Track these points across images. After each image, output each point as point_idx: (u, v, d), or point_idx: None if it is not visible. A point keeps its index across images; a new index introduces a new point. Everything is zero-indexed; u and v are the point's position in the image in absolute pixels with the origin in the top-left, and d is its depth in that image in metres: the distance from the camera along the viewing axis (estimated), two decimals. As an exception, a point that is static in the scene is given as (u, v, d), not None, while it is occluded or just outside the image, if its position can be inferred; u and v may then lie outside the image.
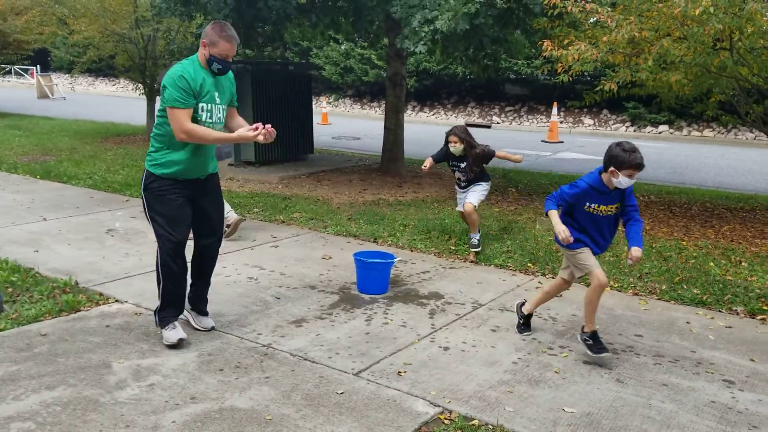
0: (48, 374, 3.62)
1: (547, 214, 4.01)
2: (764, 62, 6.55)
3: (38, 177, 9.46)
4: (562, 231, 3.88)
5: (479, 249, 6.06)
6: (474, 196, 6.17)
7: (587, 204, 3.97)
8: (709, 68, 6.21)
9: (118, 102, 25.73)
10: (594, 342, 3.96)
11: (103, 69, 29.22)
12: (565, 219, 4.04)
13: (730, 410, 3.45)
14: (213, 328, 4.28)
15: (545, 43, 6.36)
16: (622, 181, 3.81)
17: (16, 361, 3.74)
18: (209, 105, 3.97)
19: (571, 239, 3.89)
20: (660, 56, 6.10)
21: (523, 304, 4.49)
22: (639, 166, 3.74)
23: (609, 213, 4.04)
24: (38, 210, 7.47)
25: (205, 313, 4.37)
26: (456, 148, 6.13)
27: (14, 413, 3.22)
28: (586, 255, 4.04)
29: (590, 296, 4.01)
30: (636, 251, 3.88)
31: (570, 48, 6.17)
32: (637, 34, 5.83)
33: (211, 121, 4.00)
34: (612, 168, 3.81)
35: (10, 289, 4.86)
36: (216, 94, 4.01)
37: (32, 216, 7.17)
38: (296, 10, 8.48)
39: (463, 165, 6.22)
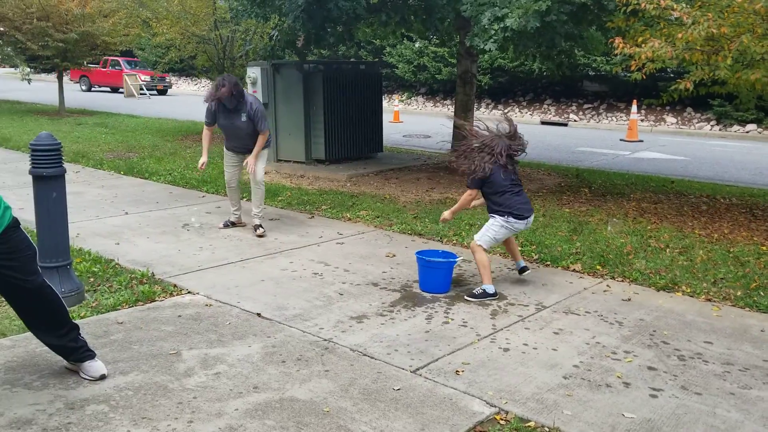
0: (122, 360, 3.83)
1: None
2: None
3: (122, 173, 9.95)
4: None
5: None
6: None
7: None
8: (794, 65, 5.91)
9: (199, 101, 26.66)
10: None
11: (184, 69, 30.36)
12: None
13: (803, 424, 3.30)
14: (104, 376, 3.61)
15: (617, 41, 6.20)
16: None
17: (94, 347, 3.95)
18: None
19: None
20: (740, 53, 5.84)
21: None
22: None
23: None
24: (121, 204, 7.86)
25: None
26: None
27: (90, 396, 3.43)
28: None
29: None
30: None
31: (644, 46, 5.99)
32: (715, 30, 5.61)
33: None
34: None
35: (91, 279, 5.16)
36: None
37: (115, 210, 7.56)
38: (366, 10, 8.58)
39: None
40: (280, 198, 8.36)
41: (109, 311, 4.55)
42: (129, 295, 4.81)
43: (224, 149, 7.03)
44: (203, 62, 14.29)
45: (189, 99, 27.69)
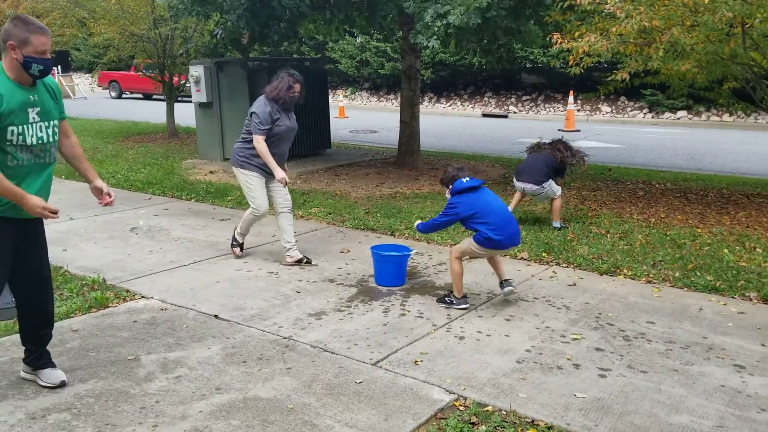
0: (81, 368, 3.80)
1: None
2: (777, 48, 6.56)
3: (63, 177, 9.70)
4: None
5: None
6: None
7: None
8: (720, 56, 6.22)
9: (139, 101, 26.06)
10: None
11: (123, 69, 29.63)
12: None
13: (740, 394, 3.54)
14: (64, 383, 3.58)
15: (555, 36, 6.42)
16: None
17: (51, 356, 3.92)
18: (21, 127, 3.20)
19: None
20: (671, 45, 6.13)
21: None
22: None
23: None
24: (65, 209, 7.68)
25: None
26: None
27: (50, 405, 3.40)
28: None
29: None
30: None
31: (581, 40, 6.22)
32: (647, 23, 5.87)
33: (25, 143, 3.23)
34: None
35: (41, 288, 5.05)
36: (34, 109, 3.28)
37: (60, 215, 7.37)
38: (310, 8, 8.60)
39: None
40: (229, 198, 8.32)
41: (62, 319, 4.48)
42: (81, 302, 4.75)
43: (254, 166, 5.69)
44: (142, 61, 14.00)
45: (128, 99, 27.04)
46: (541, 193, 6.74)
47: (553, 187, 6.73)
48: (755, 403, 3.44)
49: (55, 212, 3.32)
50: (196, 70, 10.41)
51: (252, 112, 5.61)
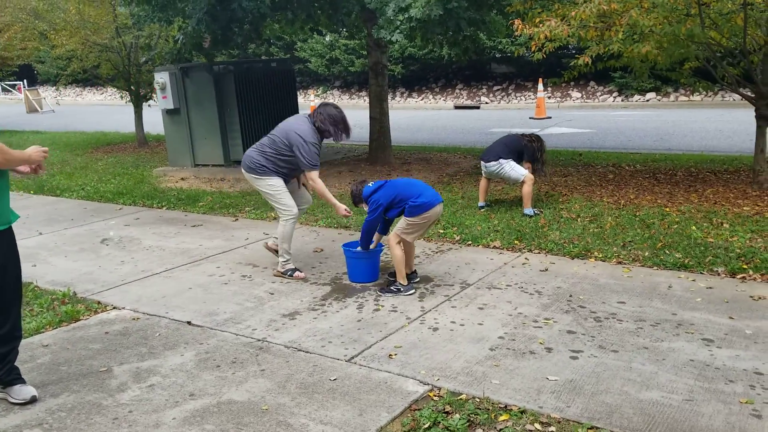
0: (52, 383, 3.76)
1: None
2: (734, 26, 6.63)
3: (32, 192, 9.59)
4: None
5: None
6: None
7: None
8: (679, 36, 6.29)
9: (107, 111, 25.76)
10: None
11: (89, 79, 29.23)
12: None
13: (708, 367, 3.59)
14: (35, 398, 3.54)
15: (516, 23, 6.46)
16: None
17: (21, 372, 3.87)
18: None
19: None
20: (630, 27, 6.18)
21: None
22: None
23: None
24: (33, 225, 7.59)
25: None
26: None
27: (22, 422, 3.36)
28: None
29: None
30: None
31: (542, 26, 6.26)
32: (605, 7, 5.91)
33: None
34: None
35: (10, 305, 4.99)
36: None
37: (28, 231, 7.29)
38: (271, 9, 8.56)
39: None
40: (201, 203, 8.27)
41: (32, 335, 4.43)
42: (52, 316, 4.69)
43: (273, 171, 5.37)
44: (108, 71, 13.84)
45: (96, 109, 26.74)
46: (500, 171, 6.94)
47: (514, 167, 6.88)
48: (723, 375, 3.49)
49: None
50: (161, 77, 10.32)
51: (305, 140, 5.19)
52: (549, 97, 19.92)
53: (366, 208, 5.10)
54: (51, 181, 10.16)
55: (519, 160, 6.99)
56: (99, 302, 5.02)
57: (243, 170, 5.49)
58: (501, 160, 6.94)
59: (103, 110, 26.43)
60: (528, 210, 6.80)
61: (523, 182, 6.85)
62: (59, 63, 18.43)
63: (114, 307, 4.92)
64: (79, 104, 30.80)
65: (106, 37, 12.70)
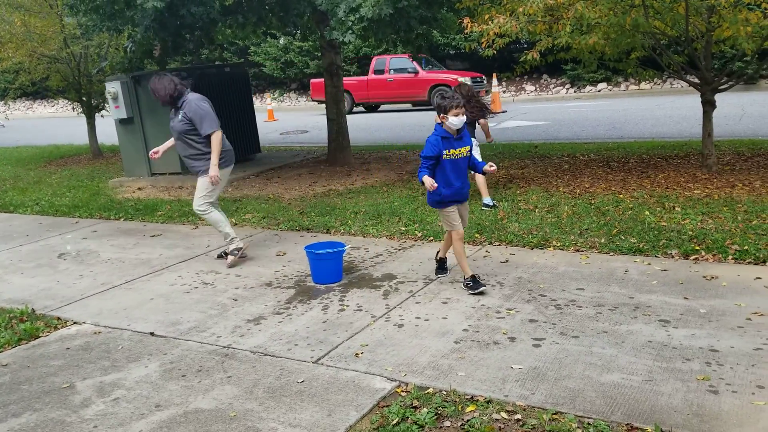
0: (13, 402, 3.68)
1: (422, 182, 4.62)
2: (676, 15, 6.82)
3: (-17, 210, 9.33)
4: (430, 183, 4.57)
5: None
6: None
7: (446, 151, 4.65)
8: (624, 27, 6.45)
9: (59, 123, 25.22)
10: (474, 283, 4.70)
11: (39, 92, 28.52)
12: (437, 174, 4.73)
13: (666, 347, 3.70)
14: None
15: (466, 21, 6.53)
16: (452, 122, 4.56)
17: (-21, 394, 3.79)
18: None
19: (435, 185, 4.56)
20: (577, 20, 6.31)
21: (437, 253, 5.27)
22: (459, 105, 4.53)
23: (462, 155, 4.75)
24: (-13, 243, 7.40)
25: None
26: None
27: (-17, 444, 3.29)
28: (454, 215, 4.83)
29: (456, 248, 4.83)
30: (490, 165, 4.80)
31: (491, 23, 6.35)
32: (551, 1, 6.03)
33: None
34: (442, 115, 4.60)
35: (-35, 326, 4.86)
36: None
37: (-19, 250, 7.10)
38: (221, 14, 8.49)
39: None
40: (159, 212, 8.16)
41: (-10, 356, 4.33)
42: (10, 335, 4.59)
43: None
44: (57, 83, 13.55)
45: (47, 122, 26.13)
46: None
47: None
48: (680, 354, 3.60)
49: None
50: (113, 87, 10.15)
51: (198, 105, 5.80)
52: (504, 92, 20.18)
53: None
54: (3, 198, 9.91)
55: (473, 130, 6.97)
56: (59, 318, 4.93)
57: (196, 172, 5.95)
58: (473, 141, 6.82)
59: (55, 123, 25.86)
60: (487, 200, 6.91)
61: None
62: (7, 76, 17.98)
63: (74, 322, 4.84)
64: (30, 117, 30.08)
65: (54, 48, 12.44)
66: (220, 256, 6.11)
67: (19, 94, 14.02)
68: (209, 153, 5.73)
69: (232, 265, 5.83)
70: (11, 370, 4.11)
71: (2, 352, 4.40)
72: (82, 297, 5.37)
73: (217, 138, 5.67)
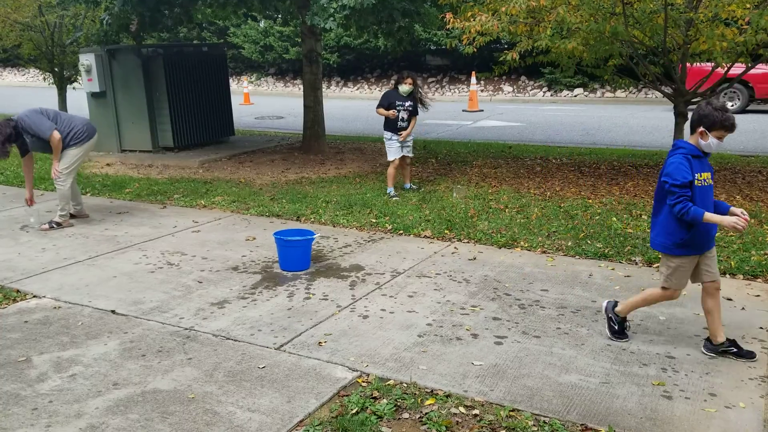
0: (-35, 374, 3.61)
1: (702, 221, 3.44)
2: (655, 25, 6.91)
3: (-55, 176, 9.10)
4: (734, 220, 3.42)
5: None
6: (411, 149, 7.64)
7: (697, 175, 3.50)
8: (603, 34, 6.51)
9: (29, 92, 24.63)
10: (737, 349, 3.68)
11: (10, 59, 27.76)
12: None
13: (624, 351, 3.77)
14: None
15: (448, 16, 6.54)
16: (711, 143, 3.46)
17: (-70, 364, 3.70)
18: None
19: (745, 219, 3.46)
20: (558, 24, 6.36)
21: (615, 304, 3.97)
22: (731, 127, 3.44)
23: (709, 183, 3.57)
24: (-54, 210, 7.22)
25: None
26: (407, 88, 7.31)
27: (-69, 415, 3.21)
28: (687, 270, 3.66)
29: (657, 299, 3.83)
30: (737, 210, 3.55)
31: (473, 20, 6.37)
32: (534, 3, 6.06)
33: None
34: (701, 129, 3.47)
35: None
36: None
37: (-60, 217, 6.93)
38: (203, -8, 8.38)
39: (408, 104, 7.27)
40: (127, 190, 8.04)
41: (-56, 325, 4.24)
42: (-34, 306, 4.50)
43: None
44: (29, 51, 13.21)
45: (16, 91, 25.53)
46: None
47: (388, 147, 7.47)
48: (637, 359, 3.67)
49: None
50: (87, 59, 9.96)
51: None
52: (482, 91, 20.27)
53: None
54: (-34, 165, 9.67)
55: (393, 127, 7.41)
56: (18, 290, 4.84)
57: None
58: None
59: (24, 92, 25.26)
60: (407, 185, 7.54)
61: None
62: (-24, 41, 17.47)
63: (34, 296, 4.75)
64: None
65: (28, 16, 12.13)
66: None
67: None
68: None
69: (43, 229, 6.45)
70: (-35, 340, 4.03)
71: (-43, 322, 4.30)
72: (44, 271, 5.27)
73: (55, 138, 6.33)
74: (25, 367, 3.68)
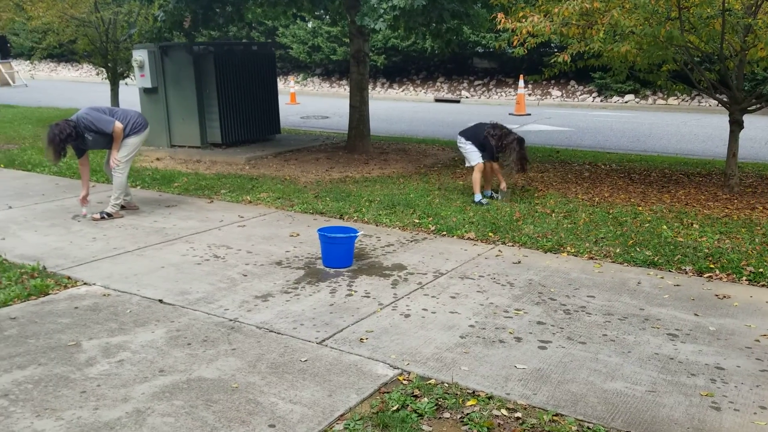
0: (19, 355, 3.72)
1: None
2: (712, 31, 6.74)
3: (2, 166, 9.41)
4: None
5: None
6: None
7: None
8: (658, 38, 6.38)
9: (82, 87, 25.34)
10: None
11: (65, 54, 28.55)
12: None
13: (672, 360, 3.68)
14: None
15: (499, 16, 6.49)
16: None
17: (-14, 344, 3.83)
18: None
19: None
20: (611, 27, 6.25)
21: None
22: None
23: None
24: (3, 198, 7.46)
25: None
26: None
27: (-14, 392, 3.32)
28: None
29: None
30: None
31: (524, 21, 6.30)
32: (588, 5, 5.97)
33: None
34: None
35: (-23, 276, 4.92)
36: None
37: (-2, 204, 7.17)
38: (255, -10, 8.49)
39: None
40: (176, 184, 8.20)
41: (0, 307, 4.37)
42: (20, 290, 4.64)
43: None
44: (84, 46, 13.60)
45: (70, 86, 26.28)
46: (460, 149, 7.28)
47: (470, 152, 7.11)
48: (686, 369, 3.58)
49: None
50: (140, 55, 10.19)
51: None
52: (529, 95, 20.07)
53: None
54: (22, 156, 9.99)
55: (481, 149, 7.13)
56: (69, 277, 4.97)
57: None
58: (463, 140, 7.19)
59: (77, 87, 25.99)
60: (476, 196, 7.04)
61: (472, 168, 7.11)
62: (34, 36, 18.07)
63: (84, 283, 4.87)
64: (53, 80, 30.26)
65: (84, 12, 12.49)
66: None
67: (45, 54, 14.03)
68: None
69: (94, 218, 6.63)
70: (19, 323, 4.15)
71: (12, 305, 4.44)
72: (94, 259, 5.40)
73: (118, 128, 6.59)
74: (74, 351, 3.78)
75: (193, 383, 3.41)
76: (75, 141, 6.50)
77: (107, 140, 6.63)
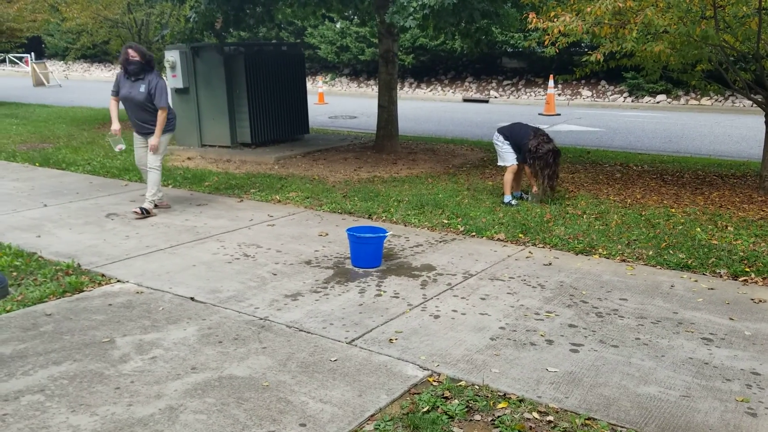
0: (54, 351, 3.79)
1: None
2: (748, 30, 6.61)
3: (37, 164, 9.60)
4: None
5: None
6: None
7: None
8: (693, 37, 6.27)
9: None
10: None
11: (98, 55, 29.07)
12: None
13: (707, 365, 3.61)
14: None
15: (531, 16, 6.44)
16: None
17: (23, 339, 3.91)
18: None
19: None
20: (645, 26, 6.17)
21: None
22: None
23: None
24: (38, 197, 7.61)
25: None
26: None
27: (24, 387, 3.39)
28: None
29: None
30: None
31: (556, 20, 6.25)
32: (621, 4, 5.90)
33: None
34: None
35: (14, 273, 5.02)
36: None
37: (33, 203, 7.32)
38: (285, -9, 8.54)
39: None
40: (206, 183, 8.28)
41: (35, 304, 4.46)
42: (56, 286, 4.72)
43: (133, 133, 7.04)
44: (117, 47, 13.84)
45: (103, 86, 26.70)
46: (496, 146, 7.20)
47: (506, 152, 7.02)
48: (720, 374, 3.51)
49: None
50: (172, 56, 10.31)
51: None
52: (559, 95, 19.89)
53: None
54: (57, 155, 10.18)
55: (516, 150, 7.01)
56: (103, 275, 5.05)
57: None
58: (501, 139, 7.08)
59: (110, 87, 26.38)
60: (506, 197, 7.00)
61: (504, 167, 7.05)
62: (69, 37, 18.43)
63: (118, 281, 4.95)
64: (87, 80, 30.78)
65: (117, 13, 12.71)
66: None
67: (78, 55, 14.35)
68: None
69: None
70: (55, 320, 4.23)
71: (47, 302, 4.52)
72: (127, 257, 5.48)
73: (165, 111, 6.66)
74: (108, 348, 3.84)
75: (224, 381, 3.44)
76: (134, 71, 6.59)
77: (145, 114, 6.68)
